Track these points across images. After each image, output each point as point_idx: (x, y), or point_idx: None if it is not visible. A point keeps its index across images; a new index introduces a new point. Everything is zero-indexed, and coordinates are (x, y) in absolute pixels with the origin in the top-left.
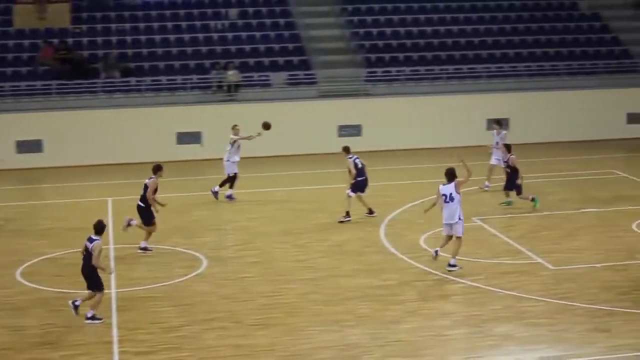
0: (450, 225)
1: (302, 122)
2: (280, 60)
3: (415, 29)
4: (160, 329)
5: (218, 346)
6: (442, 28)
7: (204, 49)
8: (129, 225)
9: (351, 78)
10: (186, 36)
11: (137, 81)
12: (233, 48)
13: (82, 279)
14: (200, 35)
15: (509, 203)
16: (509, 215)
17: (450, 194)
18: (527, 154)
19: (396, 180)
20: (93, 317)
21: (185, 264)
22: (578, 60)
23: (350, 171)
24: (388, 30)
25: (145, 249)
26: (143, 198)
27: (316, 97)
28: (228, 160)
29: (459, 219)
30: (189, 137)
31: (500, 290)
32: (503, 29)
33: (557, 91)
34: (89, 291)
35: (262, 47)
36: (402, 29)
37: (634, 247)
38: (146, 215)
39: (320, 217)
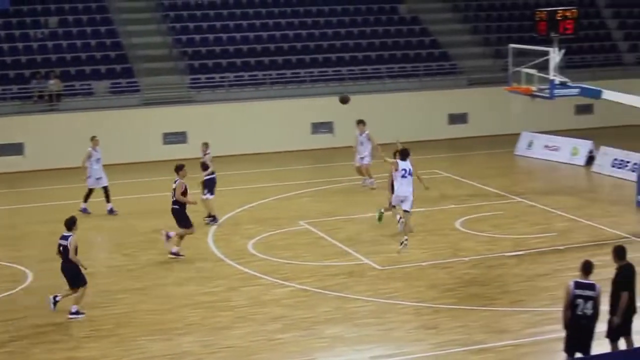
0: (405, 198)
1: (126, 130)
2: (103, 68)
3: (238, 35)
4: None
5: None
6: (264, 34)
7: (23, 58)
8: (168, 237)
9: (175, 85)
10: (5, 45)
11: None
12: (54, 57)
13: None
14: (20, 44)
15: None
16: (335, 218)
17: (410, 169)
18: (351, 157)
19: (223, 186)
20: (77, 312)
21: (10, 278)
22: (399, 63)
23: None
24: (211, 36)
25: (177, 254)
26: (176, 201)
27: (140, 104)
28: (91, 176)
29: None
30: (10, 149)
31: (329, 292)
32: (325, 34)
33: (380, 94)
34: (72, 289)
35: (83, 55)
36: (224, 35)
37: (458, 245)
38: (182, 216)
39: (146, 225)
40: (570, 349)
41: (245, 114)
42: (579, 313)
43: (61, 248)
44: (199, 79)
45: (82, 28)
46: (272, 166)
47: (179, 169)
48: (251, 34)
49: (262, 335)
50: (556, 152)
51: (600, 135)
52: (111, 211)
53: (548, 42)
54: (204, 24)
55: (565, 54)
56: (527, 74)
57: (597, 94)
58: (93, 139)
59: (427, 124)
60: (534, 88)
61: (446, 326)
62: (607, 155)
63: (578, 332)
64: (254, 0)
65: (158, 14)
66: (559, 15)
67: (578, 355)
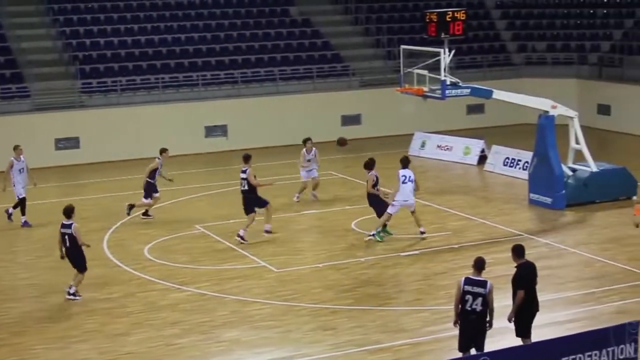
0: (406, 203)
1: (17, 136)
2: None
3: (129, 39)
4: None
5: None
6: (156, 37)
7: None
8: (242, 240)
9: (66, 90)
10: None
11: None
12: None
13: None
14: None
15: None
16: (232, 221)
17: (410, 176)
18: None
19: (116, 191)
20: (75, 294)
21: None
22: (292, 65)
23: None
24: (101, 40)
25: (269, 231)
26: (249, 188)
27: (31, 110)
28: (17, 185)
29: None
30: None
31: (227, 296)
32: (218, 37)
33: (273, 96)
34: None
35: None
36: (115, 39)
37: (354, 246)
38: (257, 200)
39: (40, 233)
40: (463, 345)
41: (138, 118)
42: (468, 309)
43: (66, 237)
44: (90, 83)
45: None
46: (166, 170)
47: (247, 158)
48: (142, 38)
49: (160, 341)
50: (449, 151)
51: (492, 135)
52: (10, 215)
53: (438, 43)
54: (95, 28)
55: (455, 55)
56: (419, 75)
57: (487, 94)
58: (16, 148)
59: (321, 126)
60: (425, 89)
61: (344, 327)
62: (498, 154)
63: (469, 327)
64: (144, 4)
65: (48, 18)
66: (448, 16)
67: (472, 351)
